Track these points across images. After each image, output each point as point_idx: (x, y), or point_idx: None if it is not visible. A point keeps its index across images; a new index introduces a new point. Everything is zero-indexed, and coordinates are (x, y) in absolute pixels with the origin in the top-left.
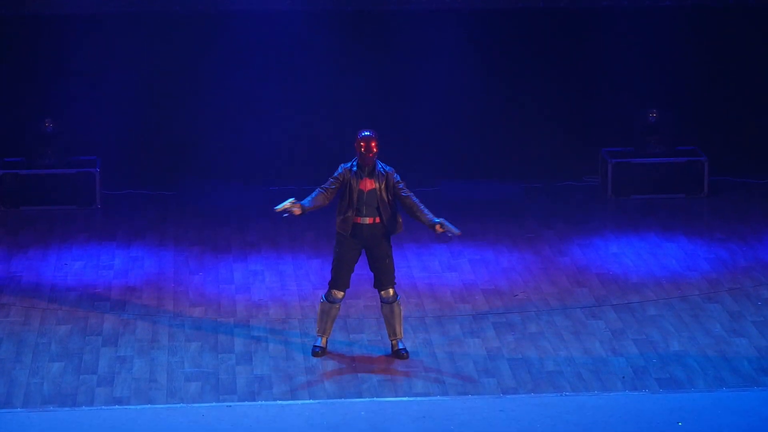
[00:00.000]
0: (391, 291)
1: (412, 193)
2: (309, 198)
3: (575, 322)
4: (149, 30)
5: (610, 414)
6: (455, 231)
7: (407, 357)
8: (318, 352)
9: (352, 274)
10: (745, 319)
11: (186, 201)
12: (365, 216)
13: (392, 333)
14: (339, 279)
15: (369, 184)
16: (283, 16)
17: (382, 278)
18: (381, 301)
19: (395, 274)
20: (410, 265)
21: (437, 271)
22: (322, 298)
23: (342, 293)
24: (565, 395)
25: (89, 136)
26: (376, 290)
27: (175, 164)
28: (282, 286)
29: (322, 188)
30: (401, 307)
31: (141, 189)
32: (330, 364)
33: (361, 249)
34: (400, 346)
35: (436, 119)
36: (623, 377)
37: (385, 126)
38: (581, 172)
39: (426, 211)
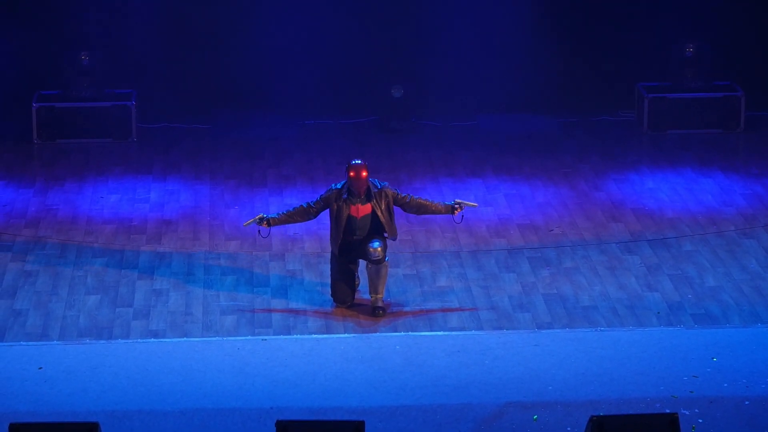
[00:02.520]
0: (379, 248)
1: (411, 194)
2: (285, 211)
3: (610, 258)
4: None
5: (645, 349)
6: (472, 204)
7: (383, 315)
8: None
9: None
10: None
11: (222, 134)
12: (358, 237)
13: (373, 290)
14: (339, 296)
15: (363, 210)
16: None
17: (373, 235)
18: (367, 260)
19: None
20: (446, 200)
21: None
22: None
23: (344, 306)
24: (600, 330)
25: (125, 69)
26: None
27: (211, 97)
28: (317, 220)
29: (305, 204)
30: (388, 270)
31: (177, 122)
32: (365, 299)
33: (356, 259)
34: (378, 304)
35: (472, 53)
36: (658, 312)
37: (422, 60)
38: (617, 107)
39: (434, 200)
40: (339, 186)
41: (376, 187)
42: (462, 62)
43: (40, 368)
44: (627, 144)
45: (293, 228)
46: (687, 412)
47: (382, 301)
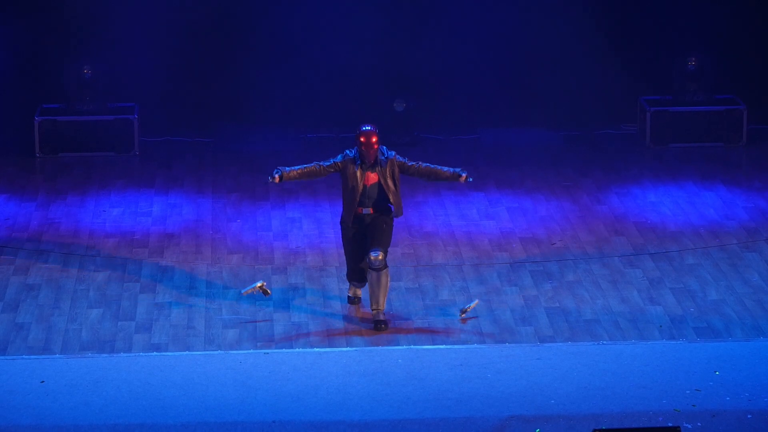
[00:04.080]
0: (381, 255)
1: (419, 162)
2: (298, 168)
3: (613, 271)
4: None
5: (647, 363)
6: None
7: (385, 329)
8: (354, 300)
9: None
10: None
11: (224, 148)
12: (367, 207)
13: (374, 302)
14: (354, 273)
15: (372, 178)
16: None
17: (375, 239)
18: (368, 267)
19: (389, 245)
20: (448, 213)
21: (475, 219)
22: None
23: (361, 286)
24: (603, 344)
25: (128, 83)
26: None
27: (213, 111)
28: (319, 233)
29: (318, 163)
30: (389, 279)
31: (179, 136)
32: (367, 312)
33: (364, 233)
34: (380, 318)
35: (474, 67)
36: (661, 326)
37: (424, 74)
38: (619, 121)
39: (442, 167)
40: (352, 153)
41: (383, 155)
42: (464, 76)
43: (43, 382)
44: (629, 157)
45: (295, 241)
46: (689, 426)
47: (384, 314)
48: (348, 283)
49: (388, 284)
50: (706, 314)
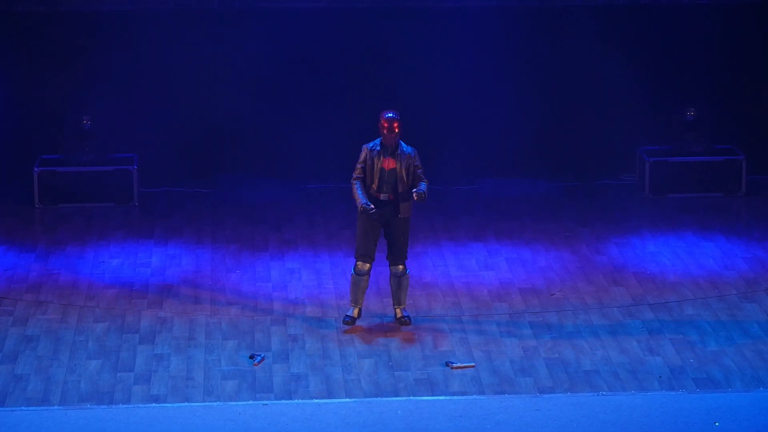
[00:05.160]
0: (401, 267)
1: (425, 179)
2: (360, 194)
3: (612, 322)
4: (187, 27)
5: (647, 414)
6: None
7: (410, 323)
8: (349, 321)
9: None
10: None
11: (223, 198)
12: (385, 192)
13: (396, 302)
14: (362, 249)
15: (391, 163)
16: (317, 13)
17: (396, 254)
18: (390, 273)
19: (407, 252)
20: (447, 264)
21: (474, 270)
22: (351, 270)
23: (368, 265)
24: (602, 395)
25: (127, 134)
26: (388, 262)
27: (212, 162)
28: (319, 284)
29: (356, 179)
30: (408, 280)
31: (178, 186)
32: (366, 363)
33: (381, 223)
34: (404, 314)
35: (473, 118)
36: (660, 377)
37: (423, 124)
38: (618, 171)
39: (422, 182)
40: (371, 144)
41: (404, 148)
42: (463, 126)
43: None
44: (628, 208)
45: (295, 292)
46: None
47: (405, 310)
48: (349, 307)
49: (408, 284)
50: (705, 365)
